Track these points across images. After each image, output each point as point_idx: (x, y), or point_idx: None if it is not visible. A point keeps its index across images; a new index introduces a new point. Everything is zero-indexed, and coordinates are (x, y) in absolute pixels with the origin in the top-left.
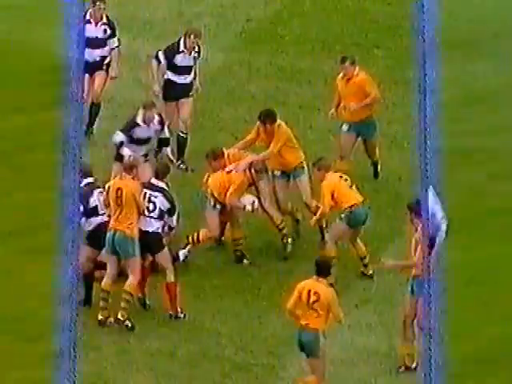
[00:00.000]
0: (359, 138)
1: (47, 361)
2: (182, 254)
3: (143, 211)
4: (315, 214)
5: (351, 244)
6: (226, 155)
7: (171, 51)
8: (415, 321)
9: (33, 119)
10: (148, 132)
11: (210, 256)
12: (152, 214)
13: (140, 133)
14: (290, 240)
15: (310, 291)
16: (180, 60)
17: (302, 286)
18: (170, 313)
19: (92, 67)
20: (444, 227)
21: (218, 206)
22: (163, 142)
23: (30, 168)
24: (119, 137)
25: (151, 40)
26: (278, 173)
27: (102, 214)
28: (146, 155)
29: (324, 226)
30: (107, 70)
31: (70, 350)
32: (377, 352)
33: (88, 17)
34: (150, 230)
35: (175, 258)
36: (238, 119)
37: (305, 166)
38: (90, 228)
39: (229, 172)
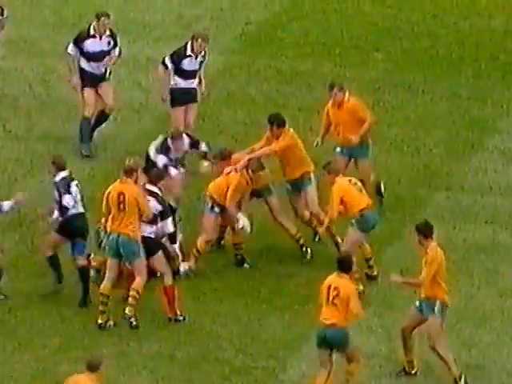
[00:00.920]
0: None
1: None
2: (182, 268)
3: (146, 216)
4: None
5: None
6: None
7: (178, 56)
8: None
9: None
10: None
11: (210, 259)
12: (144, 219)
13: (174, 155)
14: (308, 250)
15: (330, 287)
16: (187, 64)
17: (325, 283)
18: (169, 316)
19: (98, 80)
20: None
21: (217, 209)
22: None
23: None
24: (161, 159)
25: (151, 43)
26: (289, 186)
27: (75, 207)
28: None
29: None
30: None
31: None
32: (377, 355)
33: (92, 31)
34: (143, 234)
35: (175, 273)
36: (238, 122)
37: (311, 176)
38: (62, 218)
39: (228, 174)
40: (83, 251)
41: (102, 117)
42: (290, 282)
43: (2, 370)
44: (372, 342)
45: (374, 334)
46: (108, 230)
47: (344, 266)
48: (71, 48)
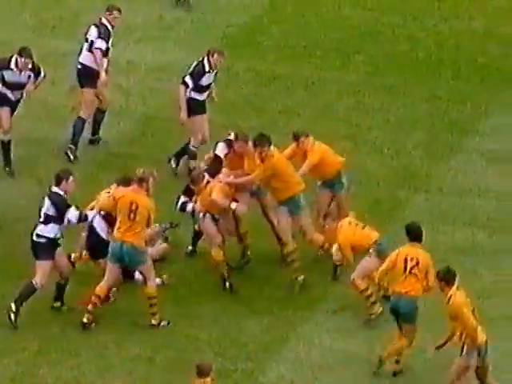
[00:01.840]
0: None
1: None
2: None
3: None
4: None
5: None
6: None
7: (198, 74)
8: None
9: None
10: None
11: (189, 262)
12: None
13: None
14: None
15: (406, 257)
16: (205, 80)
17: (395, 254)
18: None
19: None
20: None
21: (209, 215)
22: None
23: None
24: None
25: (132, 45)
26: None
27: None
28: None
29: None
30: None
31: None
32: (356, 356)
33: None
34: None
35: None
36: (217, 125)
37: (299, 199)
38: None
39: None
40: None
41: (98, 116)
42: (269, 284)
43: None
44: (351, 344)
45: (354, 336)
46: (113, 236)
47: (415, 235)
48: None
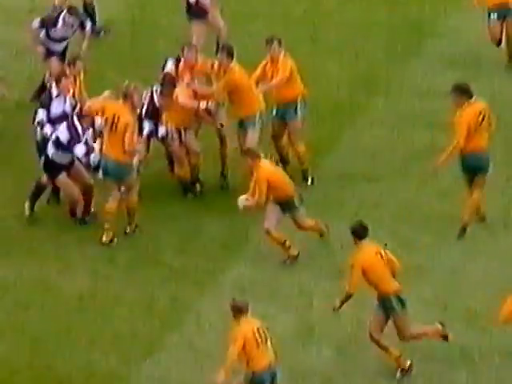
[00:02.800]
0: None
1: None
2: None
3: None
4: None
5: None
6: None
7: None
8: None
9: None
10: None
11: (156, 170)
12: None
13: None
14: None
15: (480, 113)
16: None
17: (471, 112)
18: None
19: None
20: None
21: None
22: None
23: None
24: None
25: None
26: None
27: None
28: None
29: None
30: None
31: None
32: (318, 254)
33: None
34: None
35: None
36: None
37: (255, 116)
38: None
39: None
40: None
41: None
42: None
43: None
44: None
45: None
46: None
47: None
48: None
